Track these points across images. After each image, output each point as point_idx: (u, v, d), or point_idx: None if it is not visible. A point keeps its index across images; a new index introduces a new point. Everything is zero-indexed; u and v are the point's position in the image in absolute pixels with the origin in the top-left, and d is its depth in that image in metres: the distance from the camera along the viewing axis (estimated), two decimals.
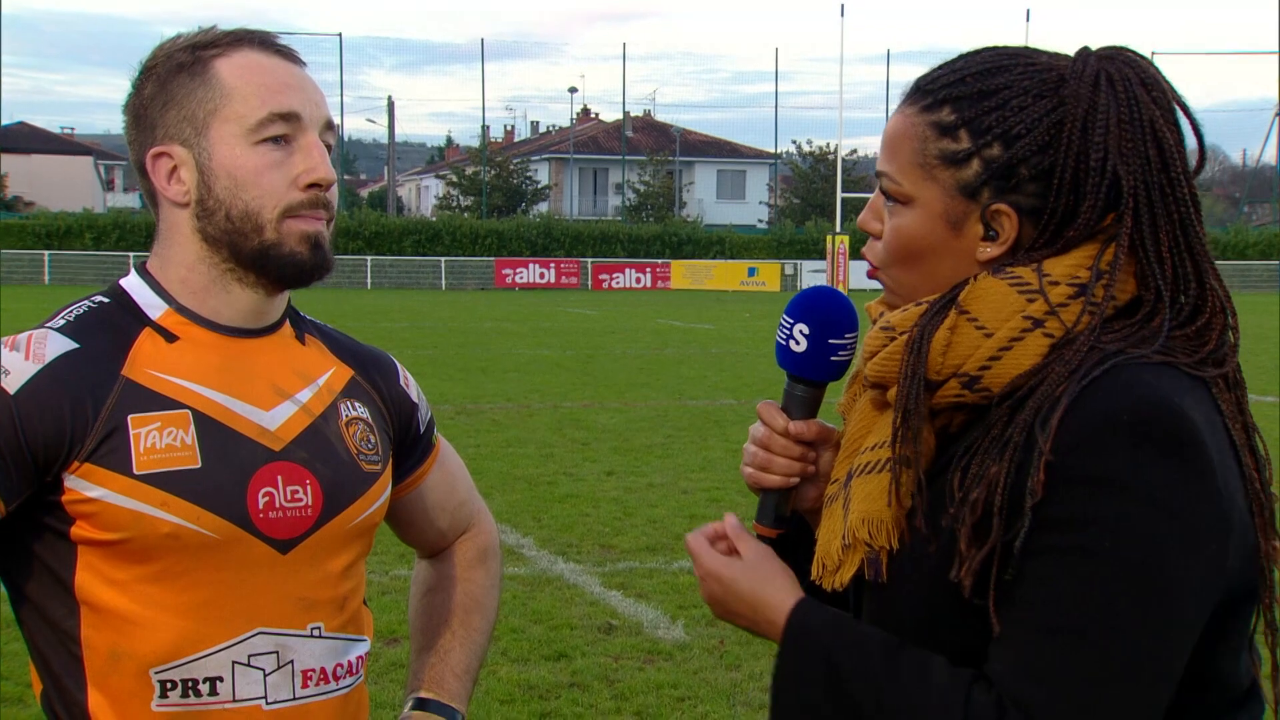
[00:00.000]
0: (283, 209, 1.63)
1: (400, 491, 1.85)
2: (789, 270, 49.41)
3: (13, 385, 1.54)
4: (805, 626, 1.41)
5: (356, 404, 1.76)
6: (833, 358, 1.54)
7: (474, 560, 1.96)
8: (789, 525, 1.59)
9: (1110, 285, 1.38)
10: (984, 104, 1.41)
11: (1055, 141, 1.40)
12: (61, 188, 66.08)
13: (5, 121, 77.78)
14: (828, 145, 63.78)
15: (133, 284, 1.69)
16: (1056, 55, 1.45)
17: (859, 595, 1.49)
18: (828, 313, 1.54)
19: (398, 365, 1.87)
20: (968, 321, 1.39)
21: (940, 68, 1.47)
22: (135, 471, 1.56)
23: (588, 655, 5.60)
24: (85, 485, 1.55)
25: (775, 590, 1.45)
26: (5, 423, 1.53)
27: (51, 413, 1.54)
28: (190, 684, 1.58)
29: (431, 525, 1.93)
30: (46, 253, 46.24)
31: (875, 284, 1.56)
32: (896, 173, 1.46)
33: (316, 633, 1.66)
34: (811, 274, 49.03)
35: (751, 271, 48.98)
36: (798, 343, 1.53)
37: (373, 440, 1.76)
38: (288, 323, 1.76)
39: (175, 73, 1.64)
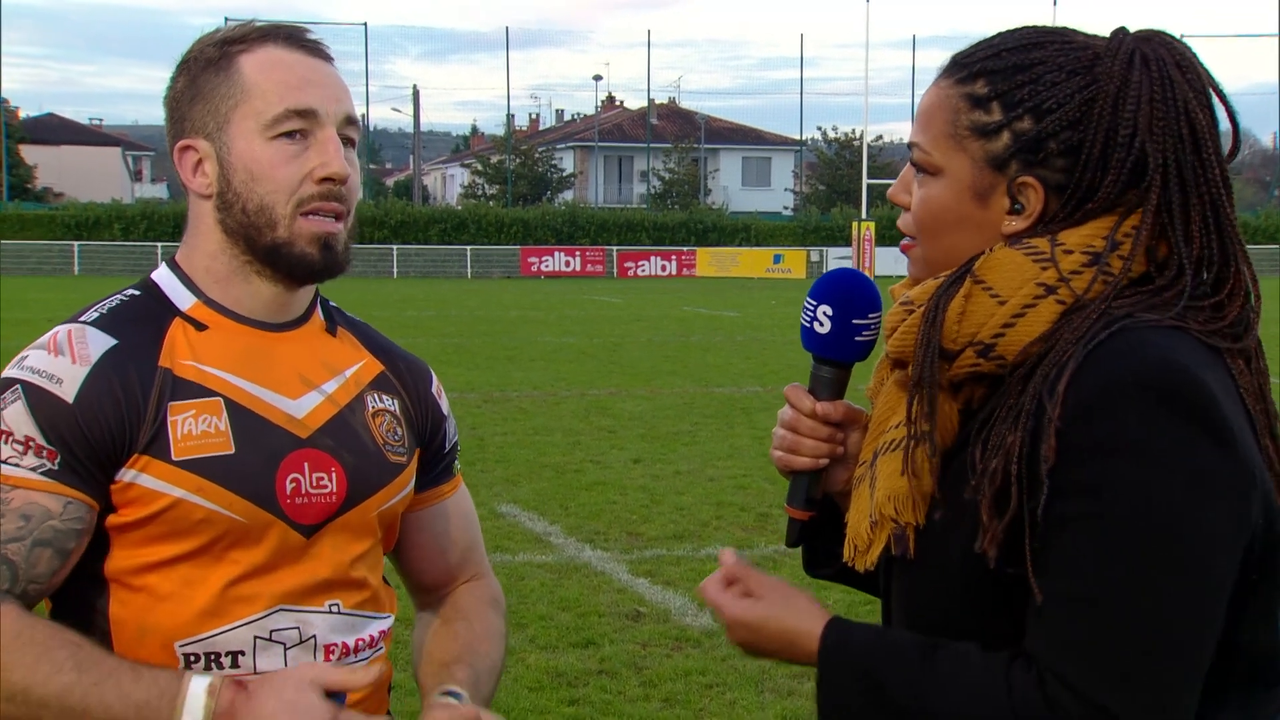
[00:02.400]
0: (295, 203, 1.66)
1: (418, 503, 1.85)
2: (814, 257, 49.26)
3: (69, 393, 1.58)
4: (840, 646, 1.41)
5: (384, 396, 1.79)
6: (857, 338, 1.55)
7: (487, 603, 1.92)
8: (819, 508, 1.60)
9: (1130, 257, 1.38)
10: (1017, 78, 1.42)
11: (1086, 118, 1.40)
12: (90, 178, 66.47)
13: (35, 113, 78.37)
14: (853, 131, 63.58)
15: (162, 276, 1.73)
16: (1092, 36, 1.46)
17: (889, 576, 1.49)
18: (850, 293, 1.55)
19: (433, 375, 1.89)
20: (982, 290, 1.39)
21: (977, 43, 1.49)
22: (174, 458, 1.60)
23: (615, 642, 5.61)
24: (132, 474, 1.60)
25: (802, 619, 1.45)
26: (74, 431, 1.57)
27: (109, 413, 1.59)
28: (213, 657, 1.62)
29: (441, 555, 1.90)
30: (76, 243, 46.54)
31: (902, 270, 1.56)
32: (928, 143, 1.47)
33: (335, 609, 1.69)
34: (837, 260, 48.81)
35: (777, 259, 48.87)
36: (821, 324, 1.54)
37: (399, 433, 1.78)
38: (318, 314, 1.79)
39: (204, 68, 1.69)
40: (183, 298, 1.70)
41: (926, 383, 1.39)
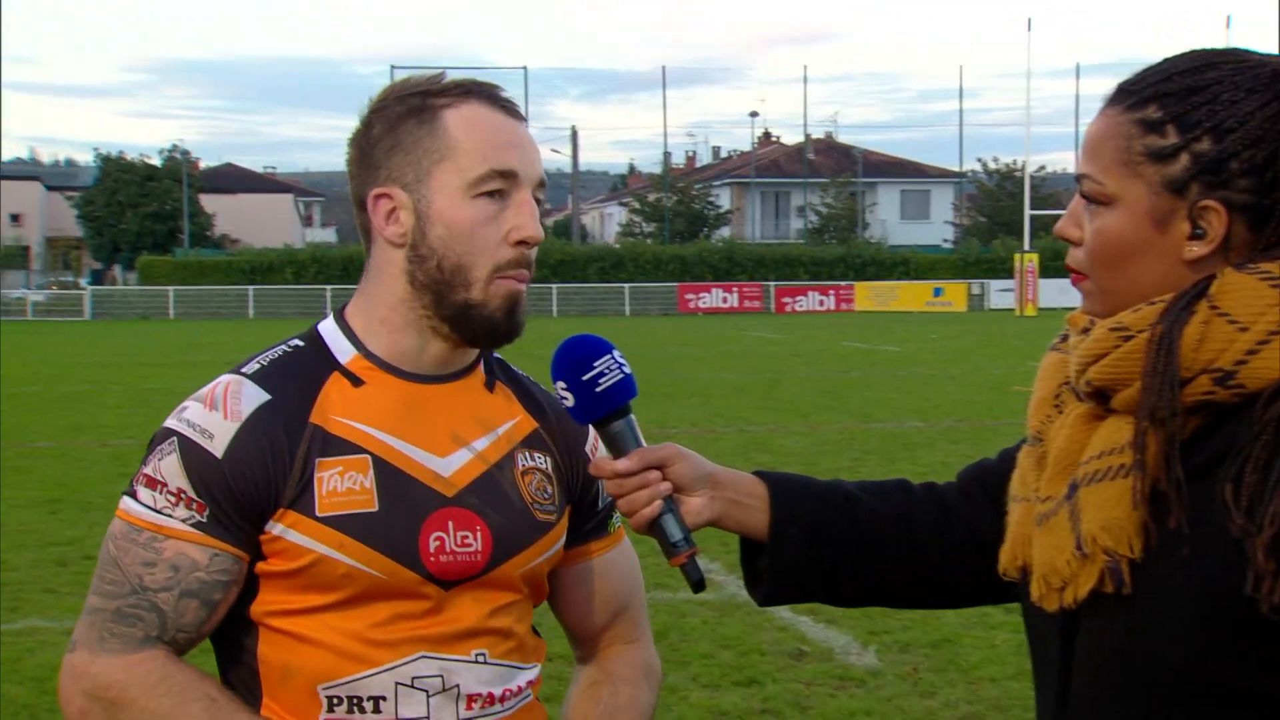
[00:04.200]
0: (493, 266, 1.66)
1: (568, 559, 1.83)
2: (975, 290, 48.46)
3: (219, 448, 1.61)
4: None
5: (535, 454, 1.77)
6: (598, 389, 1.59)
7: (637, 671, 1.88)
8: (693, 543, 1.62)
9: None
10: (1192, 99, 1.37)
11: (1270, 134, 1.35)
12: (264, 224, 69.05)
13: (214, 163, 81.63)
14: (1014, 162, 62.50)
15: (328, 329, 1.74)
16: (1268, 54, 1.40)
17: (1071, 616, 1.43)
18: (565, 359, 1.60)
19: (590, 432, 1.84)
20: (1219, 316, 1.34)
21: (1145, 69, 1.44)
22: (318, 513, 1.62)
23: (779, 681, 5.55)
24: (280, 528, 1.63)
25: None
26: (221, 485, 1.61)
27: (255, 469, 1.62)
28: (355, 701, 1.64)
29: (589, 612, 1.87)
30: (251, 288, 48.30)
31: (1067, 301, 1.51)
32: (1099, 173, 1.42)
33: (481, 659, 1.69)
34: (999, 293, 47.99)
35: (937, 292, 48.20)
36: (568, 399, 1.61)
37: (549, 490, 1.77)
38: (479, 369, 1.78)
39: (405, 117, 1.68)
40: (343, 350, 1.70)
41: (1166, 410, 1.34)
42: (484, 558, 1.68)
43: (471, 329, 1.68)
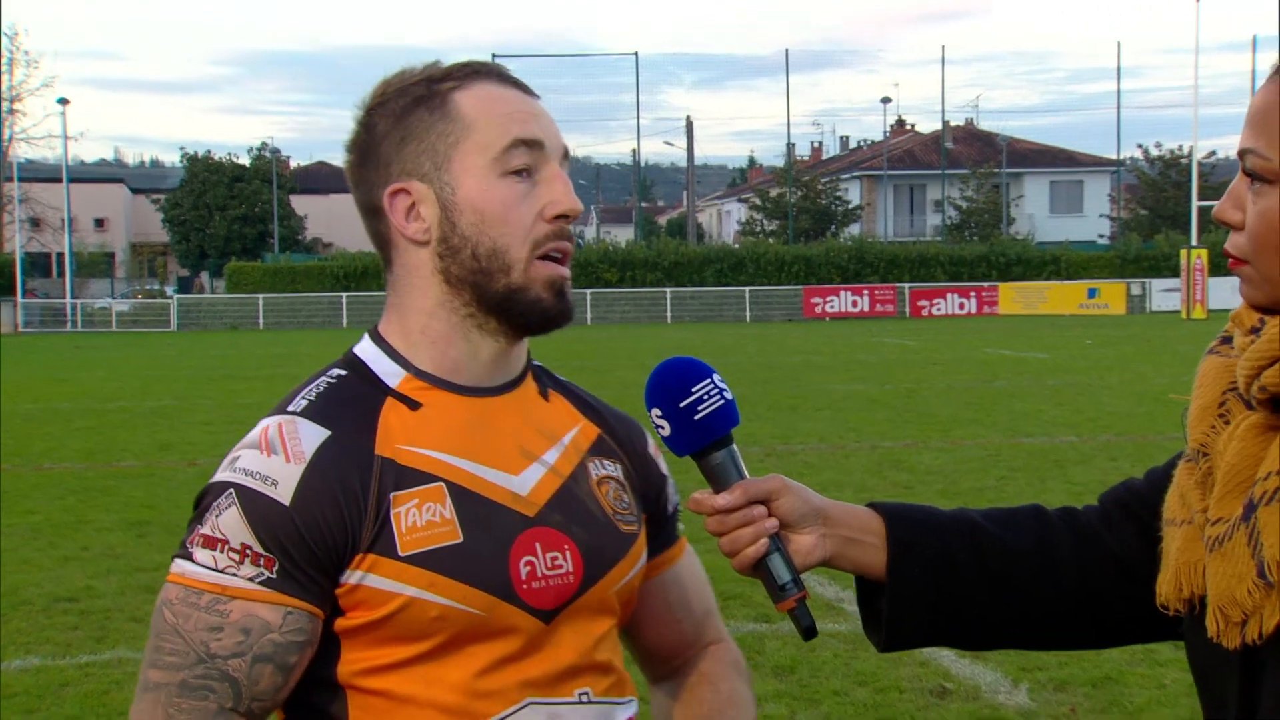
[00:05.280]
0: (531, 245, 1.66)
1: (649, 571, 1.83)
2: (1135, 290, 47.53)
3: (285, 495, 1.58)
4: None
5: (605, 462, 1.78)
6: (696, 417, 1.60)
7: (730, 668, 1.89)
8: (802, 585, 1.61)
9: None
10: None
11: None
12: (357, 227, 69.71)
13: (305, 161, 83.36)
14: (1180, 148, 61.25)
15: (367, 351, 1.73)
16: None
17: (1254, 654, 1.39)
18: (662, 384, 1.61)
19: (647, 434, 1.86)
20: None
21: None
22: (400, 553, 1.60)
23: None
24: (359, 575, 1.60)
25: None
26: (291, 535, 1.57)
27: (328, 514, 1.59)
28: None
29: (675, 623, 1.88)
30: (344, 295, 49.22)
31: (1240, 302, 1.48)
32: (1265, 147, 1.39)
33: (585, 698, 1.68)
34: (1162, 293, 47.02)
35: (1092, 293, 47.36)
36: (664, 428, 1.62)
37: (626, 499, 1.77)
38: (530, 377, 1.78)
39: (412, 107, 1.68)
40: (390, 373, 1.69)
41: None
42: (577, 578, 1.67)
43: (522, 315, 1.68)
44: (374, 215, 1.72)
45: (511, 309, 1.67)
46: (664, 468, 1.87)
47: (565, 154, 1.71)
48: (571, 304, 1.71)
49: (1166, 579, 1.49)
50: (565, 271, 1.69)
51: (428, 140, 1.67)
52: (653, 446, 1.86)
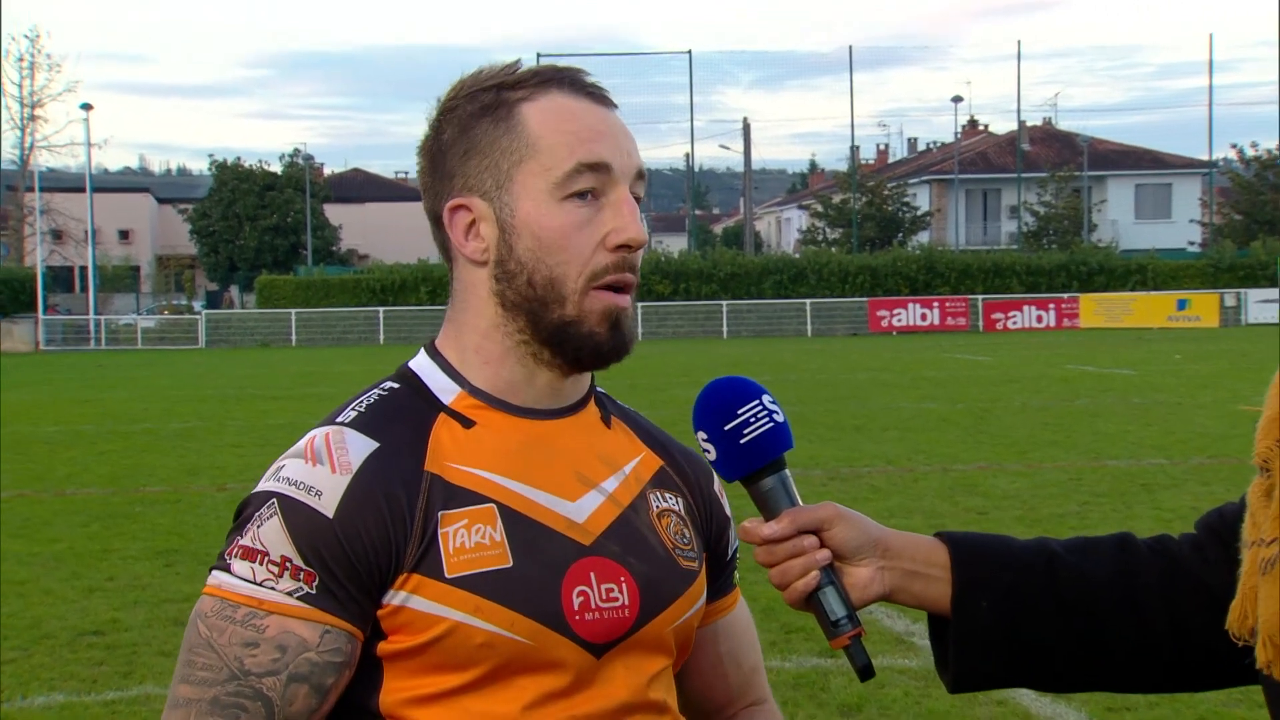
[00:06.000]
0: (588, 275, 1.66)
1: (703, 618, 1.84)
2: (1230, 301, 47.06)
3: (329, 507, 1.59)
4: None
5: (667, 495, 1.78)
6: (743, 440, 1.61)
7: None
8: (858, 621, 1.60)
9: None
10: None
11: None
12: (396, 237, 70.49)
13: (339, 168, 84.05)
14: (1278, 147, 60.54)
15: (422, 365, 1.75)
16: None
17: None
18: (707, 408, 1.63)
19: (714, 473, 1.86)
20: None
21: None
22: (447, 575, 1.61)
23: None
24: (402, 596, 1.61)
25: None
26: (334, 551, 1.58)
27: (373, 529, 1.60)
28: None
29: (722, 676, 1.88)
30: (381, 309, 49.52)
31: None
32: None
33: None
34: (1259, 305, 46.54)
35: (1182, 304, 46.95)
36: (710, 453, 1.63)
37: (687, 535, 1.77)
38: (593, 403, 1.79)
39: (478, 116, 1.70)
40: (445, 389, 1.71)
41: None
42: (632, 613, 1.67)
43: (575, 350, 1.68)
44: (437, 225, 1.74)
45: (565, 342, 1.68)
46: (728, 510, 1.87)
47: (639, 174, 1.70)
48: (629, 338, 1.70)
49: (1235, 604, 1.47)
50: (624, 302, 1.68)
51: (491, 156, 1.68)
52: (718, 486, 1.86)
